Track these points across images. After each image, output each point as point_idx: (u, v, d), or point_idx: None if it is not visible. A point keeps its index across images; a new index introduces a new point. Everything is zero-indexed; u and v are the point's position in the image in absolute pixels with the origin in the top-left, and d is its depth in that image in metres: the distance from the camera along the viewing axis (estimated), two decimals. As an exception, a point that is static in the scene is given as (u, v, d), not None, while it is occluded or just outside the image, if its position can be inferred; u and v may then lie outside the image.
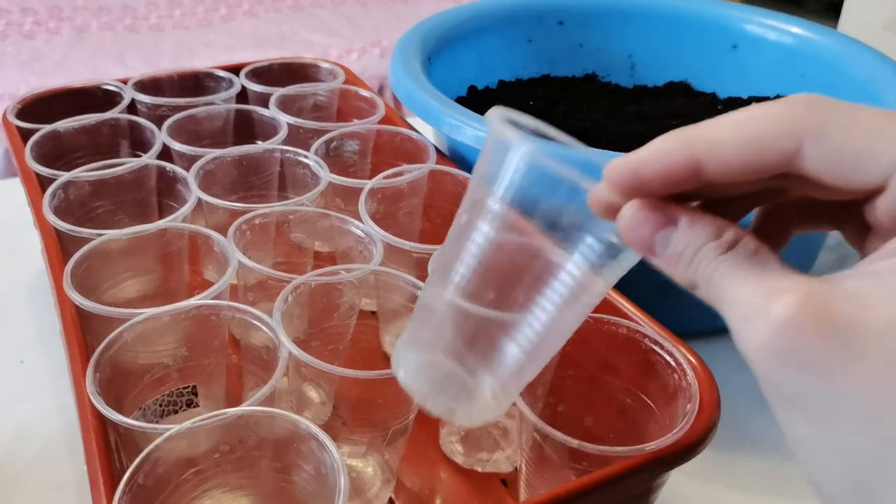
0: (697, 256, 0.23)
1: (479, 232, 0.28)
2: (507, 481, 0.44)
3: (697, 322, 0.57)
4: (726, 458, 0.48)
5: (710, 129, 0.22)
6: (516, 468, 0.43)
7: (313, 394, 0.45)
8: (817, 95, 0.22)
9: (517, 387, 0.30)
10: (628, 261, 0.26)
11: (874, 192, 0.21)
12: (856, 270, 0.21)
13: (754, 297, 0.21)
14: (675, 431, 0.34)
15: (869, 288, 0.20)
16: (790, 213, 0.27)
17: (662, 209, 0.23)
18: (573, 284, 0.26)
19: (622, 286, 0.44)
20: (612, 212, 0.24)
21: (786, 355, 0.20)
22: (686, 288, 0.24)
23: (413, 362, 0.30)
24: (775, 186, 0.25)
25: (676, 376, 0.37)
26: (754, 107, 0.22)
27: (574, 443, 0.34)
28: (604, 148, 0.51)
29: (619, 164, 0.23)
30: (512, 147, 0.26)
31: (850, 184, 0.21)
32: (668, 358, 0.38)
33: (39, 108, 0.61)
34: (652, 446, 0.33)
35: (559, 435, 0.35)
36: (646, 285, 0.54)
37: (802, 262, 0.60)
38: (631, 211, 0.24)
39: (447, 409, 0.29)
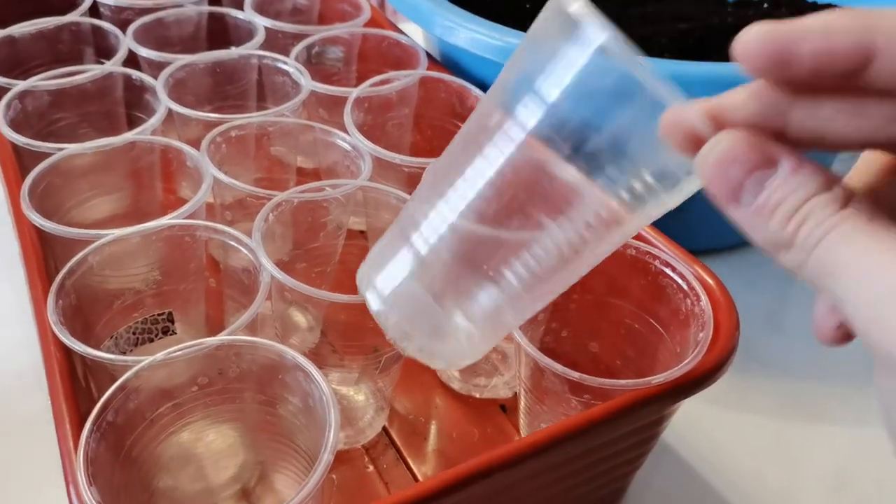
0: (803, 210, 0.18)
1: (497, 145, 0.22)
2: (507, 407, 0.42)
3: (705, 238, 0.54)
4: (737, 380, 0.46)
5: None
6: (516, 394, 0.41)
7: (300, 319, 0.42)
8: None
9: (495, 332, 0.26)
10: (675, 199, 0.22)
11: None
12: None
13: (879, 282, 0.17)
14: (685, 363, 0.31)
15: None
16: None
17: (767, 145, 0.19)
18: (600, 226, 0.22)
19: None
20: (689, 142, 0.20)
21: None
22: (767, 252, 0.19)
23: (384, 288, 0.25)
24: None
25: (689, 301, 0.35)
26: None
27: (575, 375, 0.32)
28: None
29: (766, 31, 0.18)
30: (583, 33, 0.20)
31: None
32: (679, 281, 0.35)
33: (-9, 11, 0.56)
34: (660, 378, 0.31)
35: (559, 367, 0.32)
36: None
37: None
38: (723, 144, 0.19)
39: (419, 348, 0.25)
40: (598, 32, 0.20)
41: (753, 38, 0.18)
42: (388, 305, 0.25)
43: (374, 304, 0.25)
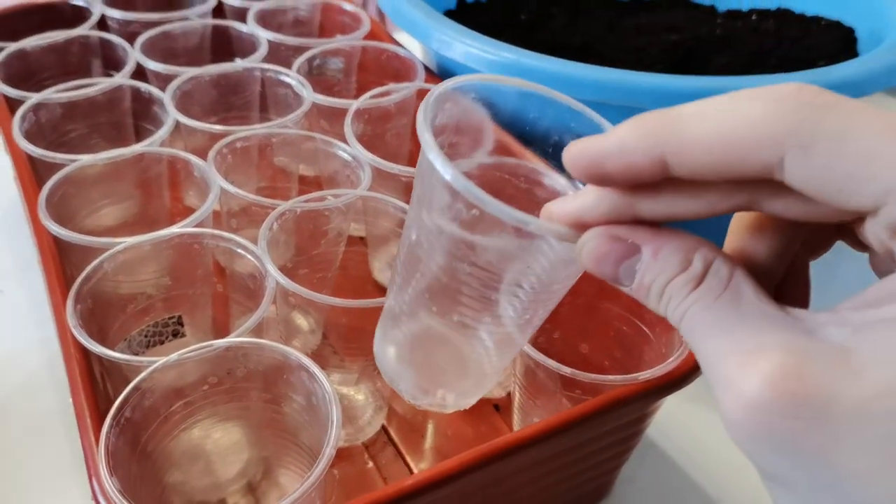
0: (666, 294, 0.20)
1: (434, 258, 0.27)
2: (500, 406, 0.44)
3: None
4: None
5: (683, 124, 0.19)
6: (509, 394, 0.43)
7: (302, 322, 0.44)
8: (810, 90, 0.18)
9: (483, 384, 0.31)
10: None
11: (864, 214, 0.18)
12: (843, 314, 0.18)
13: (725, 365, 0.18)
14: (669, 361, 0.33)
15: (852, 347, 0.17)
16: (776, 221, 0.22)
17: (625, 235, 0.21)
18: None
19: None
20: (576, 227, 0.22)
21: (760, 437, 0.18)
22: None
23: (387, 364, 0.30)
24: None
25: (673, 302, 0.36)
26: (736, 99, 0.19)
27: (567, 371, 0.34)
28: (604, 65, 0.49)
29: (580, 152, 0.20)
30: (439, 174, 0.23)
31: (835, 203, 0.18)
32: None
33: (2, 25, 0.58)
34: (646, 375, 0.33)
35: (552, 363, 0.34)
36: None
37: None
38: (589, 244, 0.21)
39: (429, 403, 0.30)
40: (446, 172, 0.24)
41: (570, 159, 0.21)
42: (396, 377, 0.30)
43: (385, 376, 0.30)
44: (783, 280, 0.22)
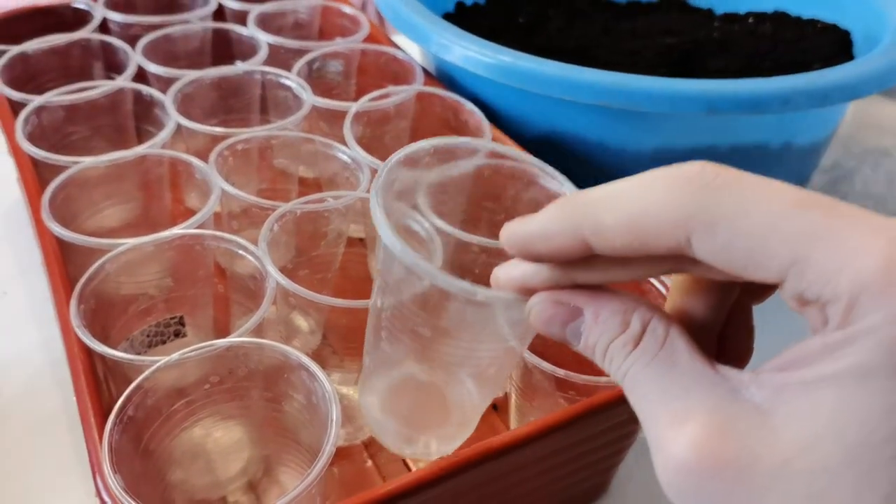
0: (608, 354, 0.21)
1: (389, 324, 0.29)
2: (498, 406, 0.44)
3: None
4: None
5: (598, 209, 0.20)
6: (506, 394, 0.44)
7: (302, 322, 0.44)
8: (711, 170, 0.19)
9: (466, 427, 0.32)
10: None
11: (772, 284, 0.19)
12: (764, 375, 0.19)
13: (657, 426, 0.20)
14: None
15: (770, 408, 0.18)
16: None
17: (567, 300, 0.22)
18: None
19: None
20: (522, 292, 0.23)
21: (689, 497, 0.19)
22: None
23: (371, 420, 0.33)
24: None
25: (669, 302, 0.37)
26: (643, 183, 0.20)
27: (561, 372, 0.34)
28: (600, 67, 0.49)
29: (512, 236, 0.22)
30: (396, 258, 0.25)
31: (743, 277, 0.19)
32: (660, 287, 0.38)
33: (4, 29, 0.58)
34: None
35: (546, 365, 0.35)
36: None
37: (796, 185, 0.59)
38: (535, 308, 0.23)
39: (413, 452, 0.32)
40: (395, 247, 0.25)
41: (504, 241, 0.23)
42: (379, 429, 0.32)
43: (371, 430, 0.33)
44: (727, 325, 0.23)
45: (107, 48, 0.57)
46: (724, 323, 0.23)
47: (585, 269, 0.22)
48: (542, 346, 0.43)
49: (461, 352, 0.29)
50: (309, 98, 0.51)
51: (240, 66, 0.54)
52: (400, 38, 0.66)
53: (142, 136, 0.54)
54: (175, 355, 0.32)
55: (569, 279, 0.22)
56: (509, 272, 0.23)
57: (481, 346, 0.29)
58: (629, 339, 0.21)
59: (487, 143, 0.34)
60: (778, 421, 0.18)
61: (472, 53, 0.51)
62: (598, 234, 0.20)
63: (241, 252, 0.39)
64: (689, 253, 0.19)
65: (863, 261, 0.17)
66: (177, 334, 0.41)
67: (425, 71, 0.56)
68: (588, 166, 0.52)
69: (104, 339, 0.34)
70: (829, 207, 0.18)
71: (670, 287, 0.24)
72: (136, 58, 0.54)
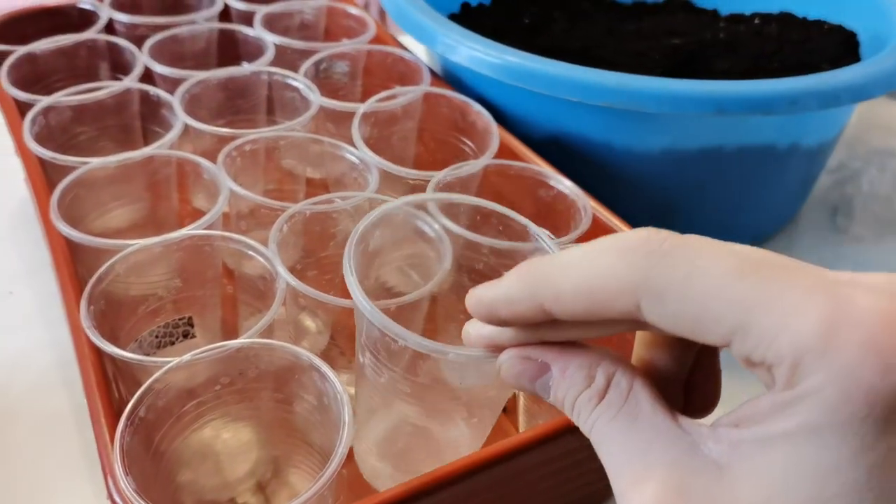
0: (575, 408, 0.22)
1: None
2: (507, 408, 0.44)
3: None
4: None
5: (553, 277, 0.21)
6: (515, 396, 0.44)
7: (310, 323, 0.44)
8: (657, 237, 0.20)
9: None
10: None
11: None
12: (720, 431, 0.20)
13: (621, 481, 0.20)
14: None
15: (726, 464, 0.19)
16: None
17: (535, 356, 0.23)
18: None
19: (618, 208, 0.43)
20: (491, 349, 0.24)
21: None
22: None
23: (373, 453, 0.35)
24: None
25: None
26: (594, 252, 0.21)
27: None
28: (605, 68, 0.49)
29: (478, 303, 0.23)
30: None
31: (693, 339, 0.20)
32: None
33: (11, 29, 0.58)
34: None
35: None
36: (645, 211, 0.53)
37: (803, 186, 0.59)
38: (505, 365, 0.24)
39: None
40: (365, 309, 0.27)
41: (470, 307, 0.24)
42: (374, 475, 0.34)
43: (365, 476, 0.36)
44: (692, 372, 0.24)
45: (113, 49, 0.57)
46: (690, 370, 0.24)
47: (550, 329, 0.23)
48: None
49: (445, 401, 0.30)
50: (317, 99, 0.51)
51: (247, 67, 0.54)
52: (405, 39, 0.65)
53: (148, 137, 0.54)
54: (187, 356, 0.32)
55: (536, 337, 0.23)
56: (479, 330, 0.24)
57: (463, 397, 0.30)
58: (594, 394, 0.22)
59: (470, 199, 0.35)
60: (734, 477, 0.18)
61: (478, 54, 0.51)
62: (556, 303, 0.21)
63: (250, 253, 0.39)
64: (641, 318, 0.20)
65: (800, 324, 0.17)
66: (185, 335, 0.41)
67: (432, 72, 0.56)
68: (594, 167, 0.52)
69: (113, 341, 0.34)
70: (771, 269, 0.19)
71: (635, 340, 0.24)
72: (142, 58, 0.54)
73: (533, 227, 0.33)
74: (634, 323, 0.21)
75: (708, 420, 0.21)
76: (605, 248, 0.21)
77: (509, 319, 0.23)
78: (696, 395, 0.24)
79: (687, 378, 0.24)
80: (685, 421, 0.21)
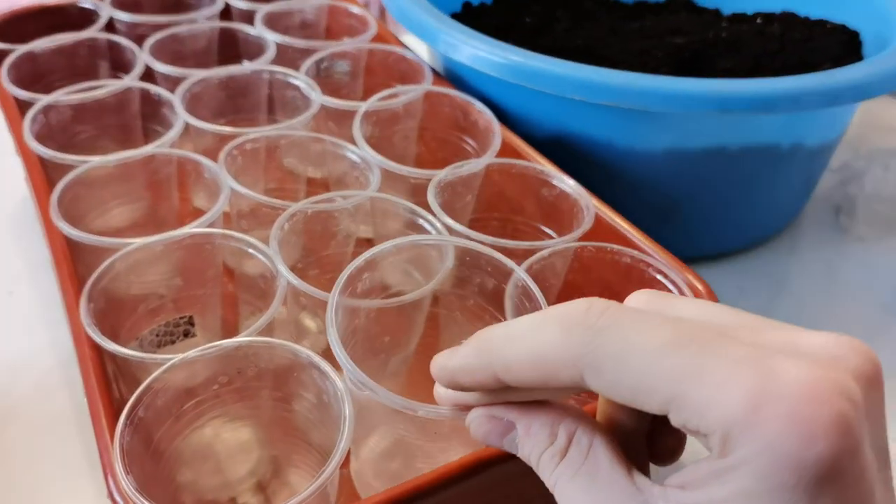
0: (540, 465, 0.23)
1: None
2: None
3: (698, 246, 0.56)
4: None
5: (503, 348, 0.23)
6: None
7: (310, 323, 0.44)
8: (596, 310, 0.21)
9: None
10: None
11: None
12: (669, 491, 0.20)
13: None
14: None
15: None
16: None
17: (500, 415, 0.24)
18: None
19: (625, 211, 0.43)
20: (459, 408, 0.26)
21: None
22: None
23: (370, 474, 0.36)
24: None
25: (681, 303, 0.37)
26: (537, 325, 0.22)
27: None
28: (608, 67, 0.49)
29: (440, 372, 0.25)
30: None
31: (634, 407, 0.21)
32: (671, 287, 0.37)
33: (11, 28, 0.58)
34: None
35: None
36: (648, 210, 0.53)
37: (806, 185, 0.59)
38: (472, 424, 0.25)
39: None
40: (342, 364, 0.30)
41: (434, 374, 0.25)
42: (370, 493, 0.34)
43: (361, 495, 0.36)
44: (654, 424, 0.25)
45: (114, 47, 0.57)
46: (652, 422, 0.24)
47: (511, 391, 0.24)
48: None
49: (442, 426, 0.31)
50: (318, 98, 0.51)
51: (248, 66, 0.54)
52: (406, 38, 0.65)
53: (148, 136, 0.54)
54: (190, 352, 0.31)
55: (500, 399, 0.24)
56: (447, 391, 0.25)
57: (441, 441, 0.32)
58: (556, 451, 0.23)
59: (457, 241, 0.36)
60: None
61: (481, 52, 0.51)
62: (508, 374, 0.22)
63: (251, 251, 0.38)
64: (586, 386, 0.21)
65: (727, 398, 0.18)
66: (186, 334, 0.41)
67: (433, 70, 0.56)
68: (597, 166, 0.52)
69: (113, 339, 0.33)
70: (703, 342, 0.19)
71: (599, 396, 0.25)
72: (143, 57, 0.54)
73: (519, 272, 0.34)
74: (583, 389, 0.22)
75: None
76: (548, 321, 0.22)
77: (469, 386, 0.24)
78: (660, 445, 0.25)
79: (650, 428, 0.25)
80: (640, 479, 0.21)
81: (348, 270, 0.32)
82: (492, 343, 0.23)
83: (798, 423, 0.18)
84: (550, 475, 0.23)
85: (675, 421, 0.20)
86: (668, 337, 0.20)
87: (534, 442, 0.23)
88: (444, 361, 0.25)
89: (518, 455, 0.24)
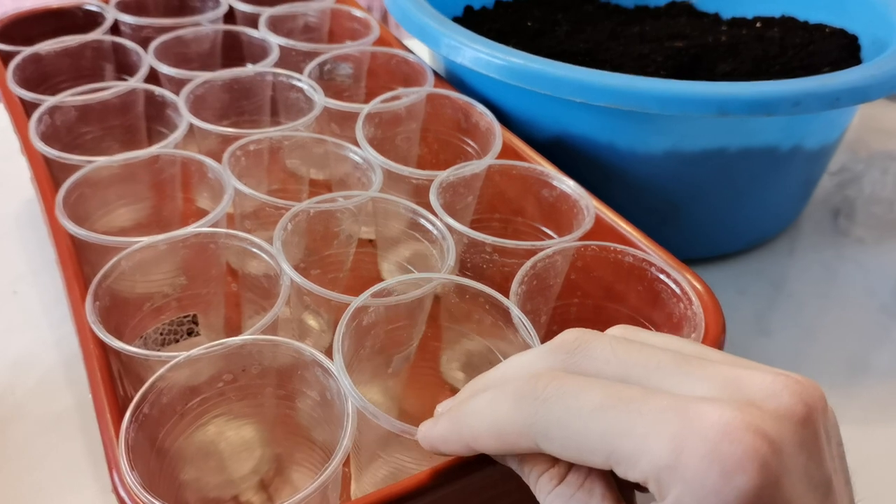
0: (538, 486, 0.25)
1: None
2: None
3: (698, 247, 0.57)
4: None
5: (470, 423, 0.25)
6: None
7: (312, 322, 0.44)
8: (545, 383, 0.23)
9: None
10: None
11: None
12: None
13: None
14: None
15: None
16: None
17: None
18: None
19: (625, 212, 0.44)
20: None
21: None
22: None
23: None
24: None
25: (682, 305, 0.37)
26: (495, 400, 0.24)
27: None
28: (609, 70, 0.49)
29: (423, 440, 0.28)
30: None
31: (587, 465, 0.23)
32: (674, 287, 0.38)
33: (17, 29, 0.59)
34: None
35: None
36: (647, 211, 0.53)
37: (805, 188, 0.59)
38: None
39: None
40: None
41: (422, 443, 0.28)
42: None
43: None
44: None
45: (119, 50, 0.58)
46: None
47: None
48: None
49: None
50: (321, 100, 0.51)
51: (251, 68, 0.55)
52: (409, 41, 0.66)
53: (153, 137, 0.54)
54: (195, 350, 0.32)
55: None
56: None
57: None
58: (556, 475, 0.24)
59: (452, 278, 0.37)
60: None
61: (482, 55, 0.51)
62: (476, 444, 0.25)
63: (255, 251, 0.39)
64: (543, 451, 0.23)
65: (654, 445, 0.20)
66: (190, 333, 0.41)
67: (435, 73, 0.56)
68: (597, 168, 0.53)
69: (118, 338, 0.34)
70: (628, 401, 0.21)
71: None
72: (148, 59, 0.55)
73: (515, 311, 0.35)
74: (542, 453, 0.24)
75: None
76: (501, 397, 0.24)
77: (451, 454, 0.27)
78: None
79: None
80: None
81: (356, 303, 0.34)
82: (462, 417, 0.26)
83: (716, 461, 0.19)
84: (546, 496, 0.24)
85: (619, 474, 0.22)
86: (600, 399, 0.22)
87: (536, 460, 0.25)
88: (425, 433, 0.27)
89: (516, 469, 0.26)
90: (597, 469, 0.23)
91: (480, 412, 0.25)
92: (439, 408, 0.29)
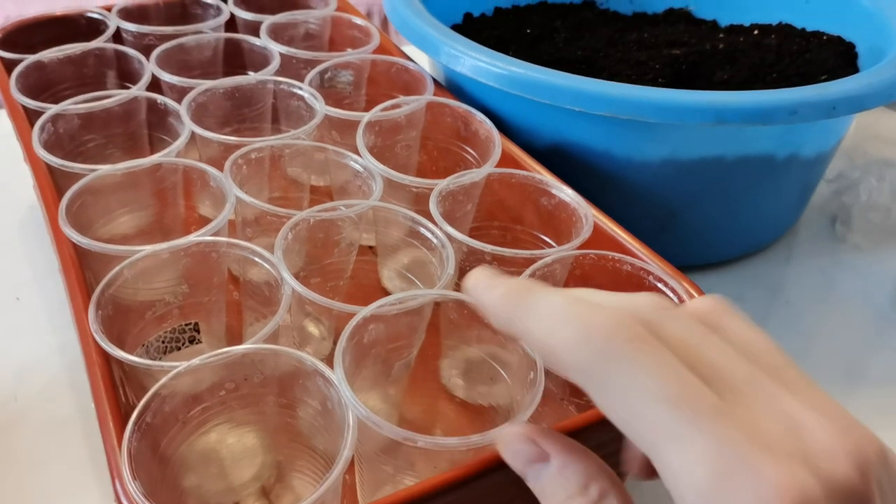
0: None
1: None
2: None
3: (695, 254, 0.57)
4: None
5: (527, 319, 0.24)
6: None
7: (313, 329, 0.45)
8: (620, 338, 0.22)
9: None
10: None
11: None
12: None
13: None
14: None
15: None
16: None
17: (539, 443, 0.25)
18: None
19: (623, 220, 0.44)
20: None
21: None
22: None
23: None
24: None
25: (679, 311, 0.37)
26: (566, 315, 0.23)
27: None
28: (607, 79, 0.50)
29: (474, 290, 0.26)
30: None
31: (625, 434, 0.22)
32: (671, 295, 0.38)
33: (20, 37, 0.59)
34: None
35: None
36: (645, 219, 0.54)
37: (802, 195, 0.60)
38: (508, 437, 0.26)
39: None
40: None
41: (464, 289, 0.27)
42: None
43: None
44: None
45: (121, 57, 0.58)
46: None
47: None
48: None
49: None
50: (321, 108, 0.51)
51: (252, 76, 0.55)
52: (409, 49, 0.66)
53: (155, 145, 0.54)
54: (195, 360, 0.32)
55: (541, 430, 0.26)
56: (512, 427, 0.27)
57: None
58: (587, 502, 0.23)
59: (449, 293, 0.37)
60: None
61: (482, 64, 0.51)
62: (523, 340, 0.25)
63: (256, 259, 0.39)
64: (583, 389, 0.22)
65: (700, 472, 0.19)
66: (191, 340, 0.42)
67: (435, 81, 0.56)
68: (595, 176, 0.53)
69: (120, 346, 0.34)
70: (699, 412, 0.20)
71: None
72: (150, 67, 0.55)
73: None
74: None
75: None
76: (574, 318, 0.22)
77: (492, 322, 0.25)
78: None
79: None
80: None
81: (354, 321, 0.34)
82: (519, 307, 0.24)
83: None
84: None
85: (654, 465, 0.21)
86: (670, 393, 0.21)
87: (563, 483, 0.24)
88: (479, 293, 0.25)
89: (532, 487, 0.25)
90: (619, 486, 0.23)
91: (543, 316, 0.23)
92: (478, 283, 0.26)
